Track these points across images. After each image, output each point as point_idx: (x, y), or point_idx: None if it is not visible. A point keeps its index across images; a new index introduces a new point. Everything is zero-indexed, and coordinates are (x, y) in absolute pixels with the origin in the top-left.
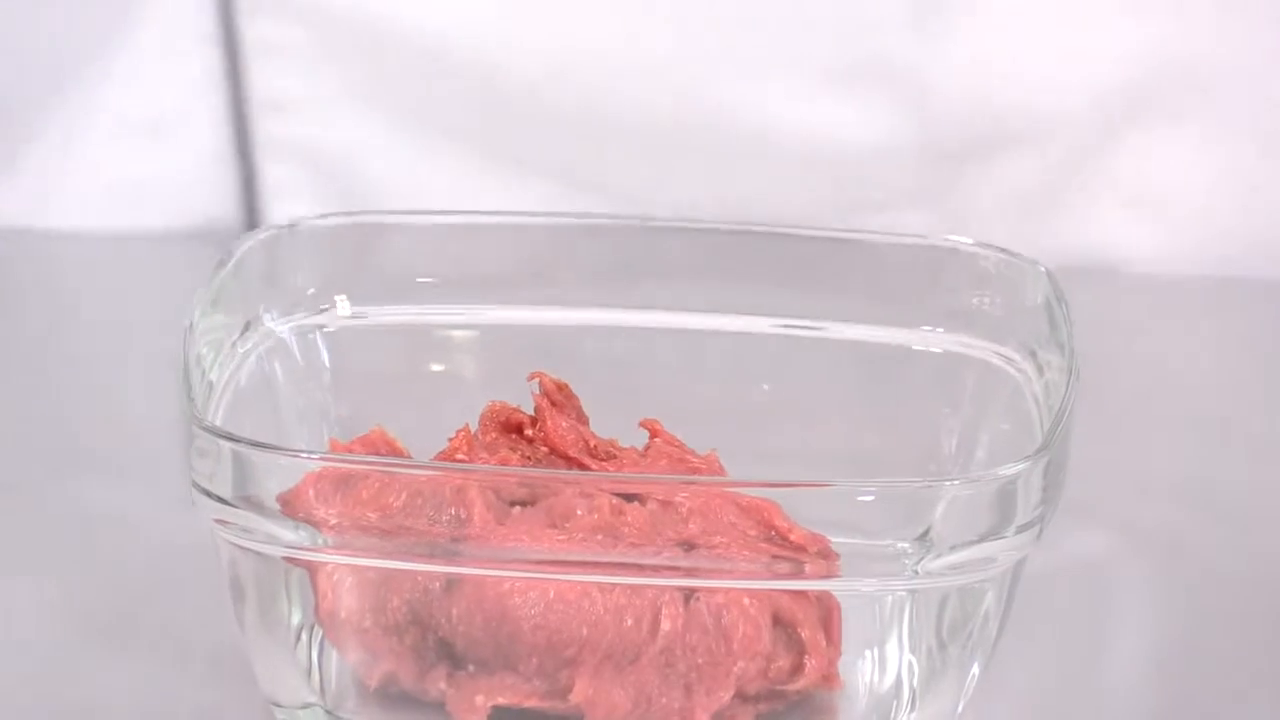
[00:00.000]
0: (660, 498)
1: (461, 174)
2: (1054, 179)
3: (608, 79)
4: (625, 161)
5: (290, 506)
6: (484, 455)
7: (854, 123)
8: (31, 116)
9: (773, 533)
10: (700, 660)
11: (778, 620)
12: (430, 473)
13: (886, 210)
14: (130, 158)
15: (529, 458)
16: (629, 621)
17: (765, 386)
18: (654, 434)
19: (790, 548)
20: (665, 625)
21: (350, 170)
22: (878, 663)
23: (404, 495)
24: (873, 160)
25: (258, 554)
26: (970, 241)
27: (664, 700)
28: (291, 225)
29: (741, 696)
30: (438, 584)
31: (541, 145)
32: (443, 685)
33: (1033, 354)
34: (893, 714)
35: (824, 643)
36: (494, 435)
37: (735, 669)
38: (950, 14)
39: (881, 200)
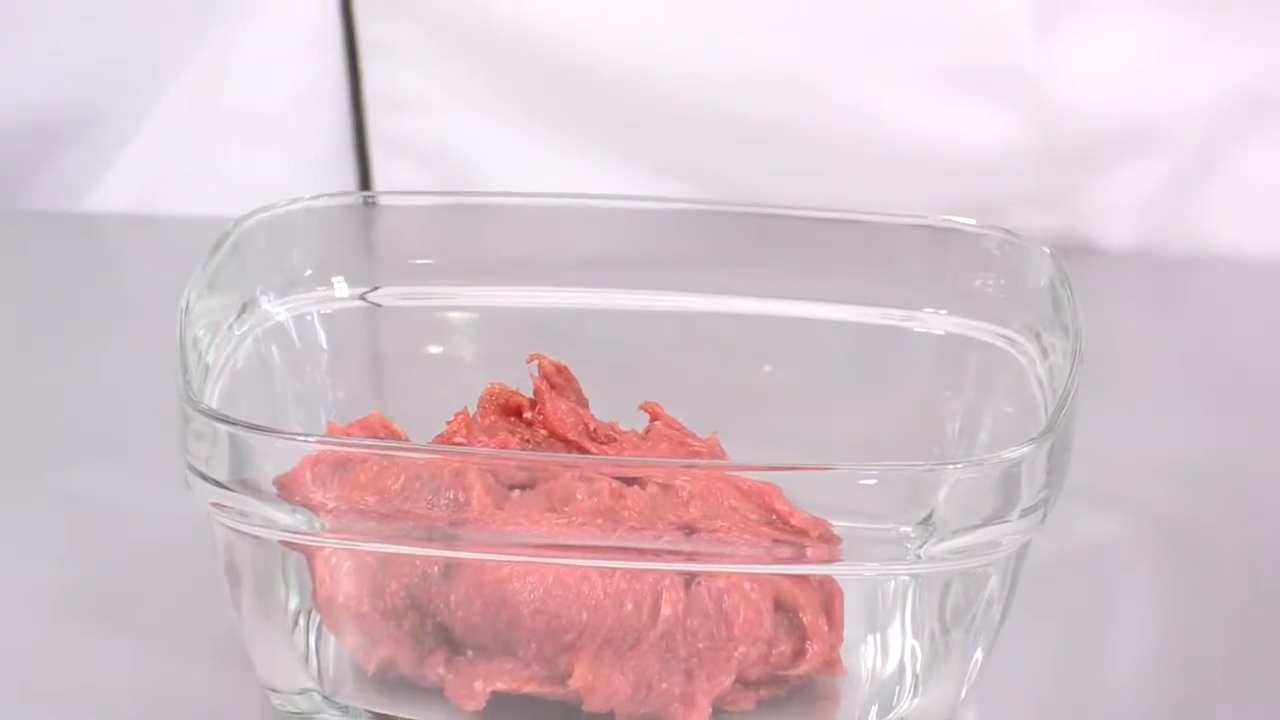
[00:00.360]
0: (660, 481)
1: (580, 169)
2: (1175, 182)
3: (726, 77)
4: (739, 157)
5: (287, 490)
6: (483, 438)
7: (977, 126)
8: (152, 108)
9: (774, 516)
10: (701, 645)
11: (779, 605)
12: (428, 456)
13: (1006, 215)
14: (247, 155)
15: (528, 441)
16: (629, 606)
17: (767, 369)
18: (654, 417)
19: (792, 532)
20: (666, 610)
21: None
22: (880, 648)
23: (402, 479)
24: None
25: (254, 538)
26: (973, 223)
27: (664, 685)
28: (288, 207)
29: (743, 682)
30: (436, 568)
31: (664, 143)
32: (441, 670)
33: (1037, 336)
34: (895, 699)
35: (826, 628)
36: (493, 418)
37: (736, 654)
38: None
39: (1001, 205)
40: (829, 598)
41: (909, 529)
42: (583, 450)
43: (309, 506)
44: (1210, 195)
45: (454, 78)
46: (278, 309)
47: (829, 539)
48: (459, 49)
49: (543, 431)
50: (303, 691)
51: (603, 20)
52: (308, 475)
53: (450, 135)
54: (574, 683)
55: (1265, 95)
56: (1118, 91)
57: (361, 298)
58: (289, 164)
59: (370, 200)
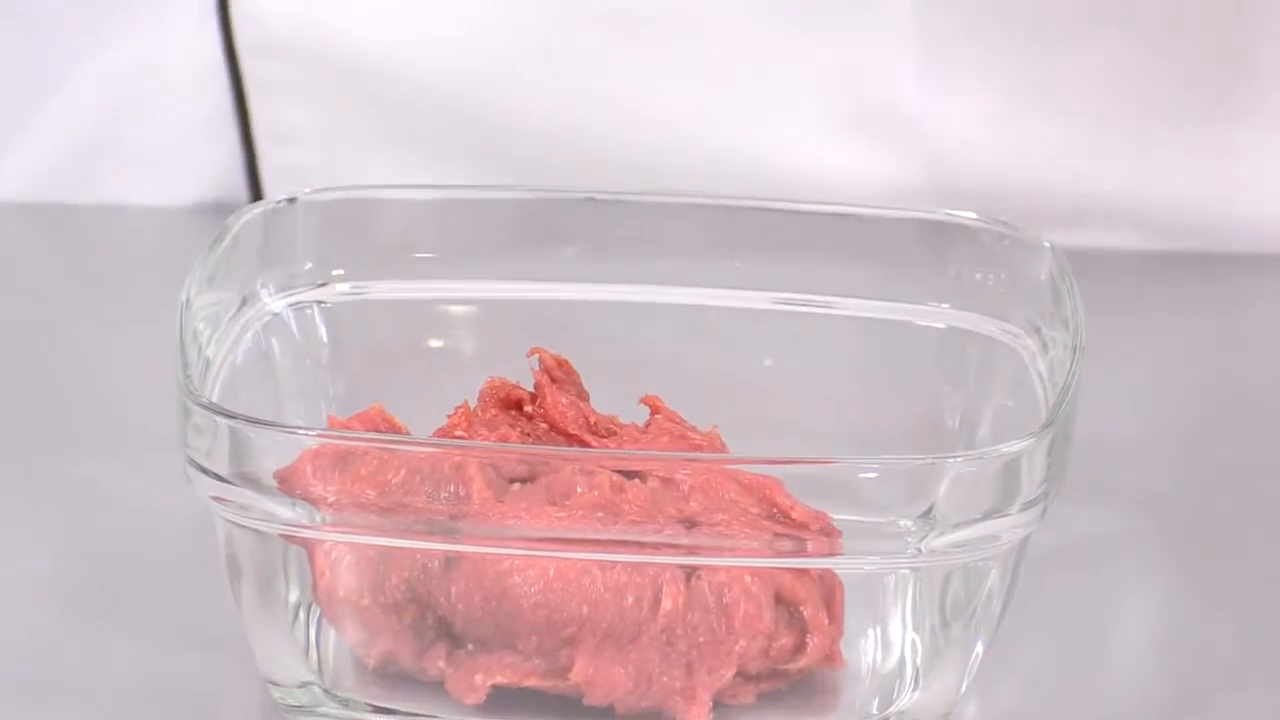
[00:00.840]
0: (661, 475)
1: None
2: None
3: (611, 119)
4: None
5: (288, 484)
6: (483, 431)
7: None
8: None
9: (774, 510)
10: (701, 639)
11: (780, 599)
12: (429, 449)
13: None
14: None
15: (529, 434)
16: (629, 600)
17: (767, 362)
18: (655, 410)
19: (792, 525)
20: (666, 604)
21: None
22: (881, 642)
23: (402, 472)
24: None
25: (255, 532)
26: (974, 216)
27: (665, 679)
28: (288, 200)
29: (743, 675)
30: (436, 562)
31: (538, 173)
32: (441, 664)
33: (1037, 330)
34: (896, 693)
35: (826, 621)
36: (494, 411)
37: (737, 648)
38: None
39: None
40: (829, 591)
41: (909, 523)
42: (583, 444)
43: (309, 500)
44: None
45: (335, 111)
46: (277, 303)
47: (829, 532)
48: (337, 85)
49: (543, 425)
50: (303, 685)
51: (469, 57)
52: (308, 469)
53: (338, 165)
54: (574, 676)
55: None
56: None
57: (362, 291)
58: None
59: (370, 194)
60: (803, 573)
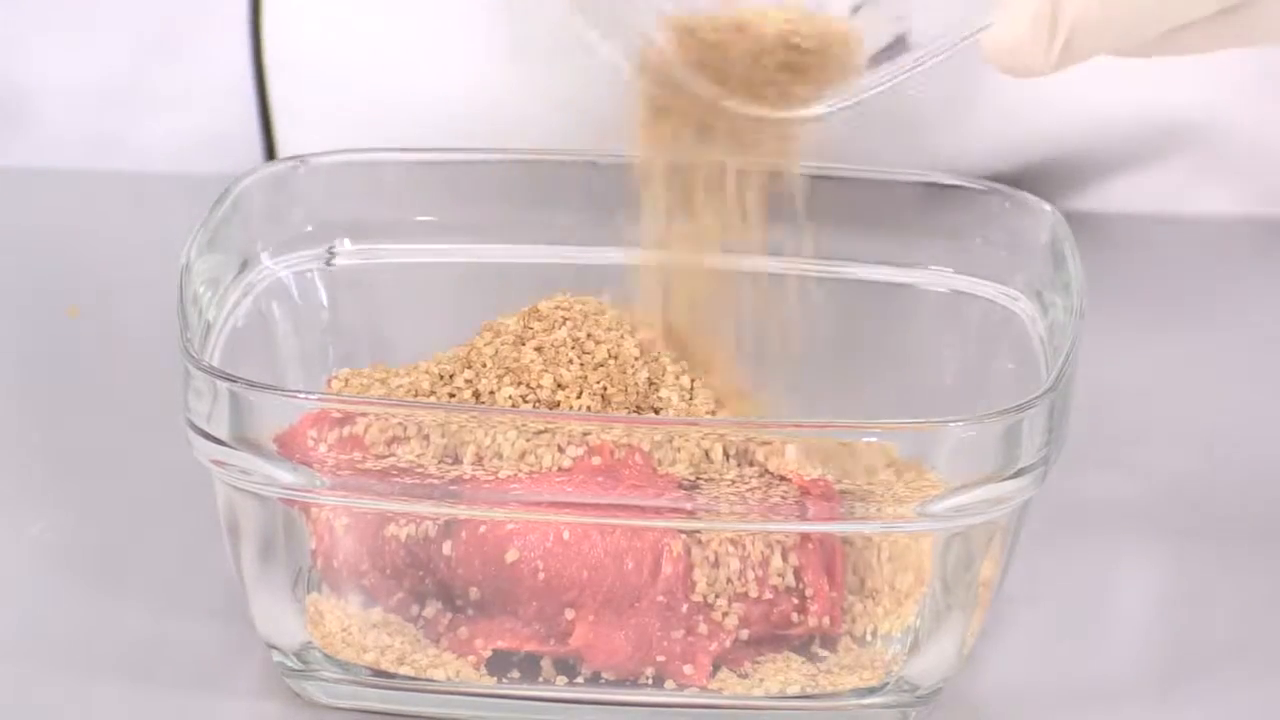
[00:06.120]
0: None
1: None
2: None
3: None
4: None
5: (287, 447)
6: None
7: None
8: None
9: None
10: (701, 603)
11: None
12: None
13: None
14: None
15: None
16: (629, 565)
17: (768, 326)
18: None
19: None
20: (666, 569)
21: None
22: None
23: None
24: None
25: (255, 495)
26: (975, 180)
27: (665, 644)
28: (289, 163)
29: (743, 641)
30: (436, 526)
31: None
32: (441, 629)
33: (1038, 294)
34: (895, 657)
35: (827, 586)
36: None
37: (737, 613)
38: None
39: None
40: (830, 556)
41: (910, 487)
42: None
43: (309, 464)
44: None
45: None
46: (278, 266)
47: (830, 497)
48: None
49: None
50: (302, 648)
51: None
52: (308, 433)
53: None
54: (574, 641)
55: None
56: None
57: (362, 254)
58: None
59: (371, 157)
60: (803, 538)
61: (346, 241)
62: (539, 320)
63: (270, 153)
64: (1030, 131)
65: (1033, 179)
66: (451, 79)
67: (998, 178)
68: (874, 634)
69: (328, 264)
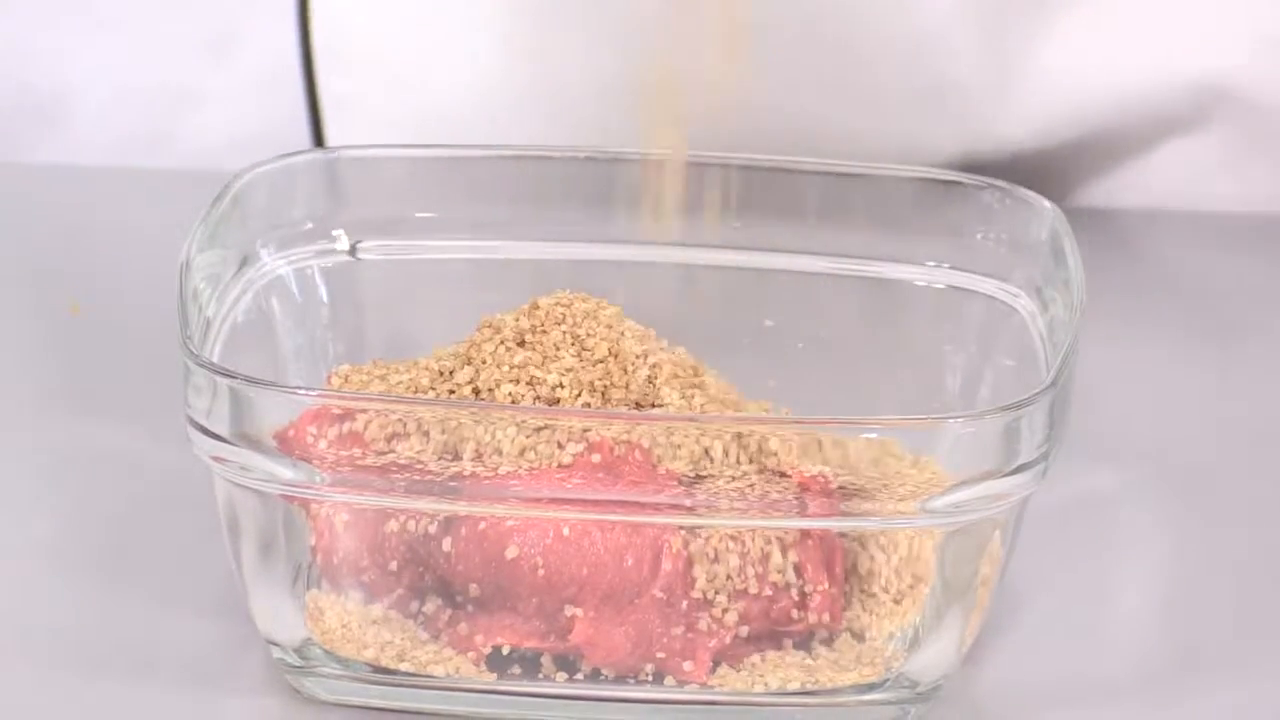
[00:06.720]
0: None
1: None
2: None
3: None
4: None
5: (287, 444)
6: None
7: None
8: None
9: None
10: (701, 600)
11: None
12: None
13: None
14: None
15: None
16: (629, 561)
17: (768, 322)
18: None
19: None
20: (666, 565)
21: None
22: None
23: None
24: None
25: (255, 492)
26: (975, 177)
27: (665, 640)
28: (288, 160)
29: (743, 636)
30: (436, 523)
31: None
32: (441, 625)
33: (1038, 290)
34: (895, 654)
35: (827, 582)
36: None
37: (737, 609)
38: None
39: None
40: (829, 553)
41: (910, 485)
42: None
43: (309, 460)
44: None
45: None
46: (278, 262)
47: (830, 493)
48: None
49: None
50: (302, 644)
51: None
52: (308, 429)
53: None
54: (574, 638)
55: None
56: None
57: (362, 251)
58: None
59: (370, 153)
60: (803, 534)
61: (346, 238)
62: (539, 316)
63: (320, 147)
64: (1075, 103)
65: (1071, 154)
66: (492, 71)
67: (1040, 153)
68: (874, 631)
69: (328, 260)
